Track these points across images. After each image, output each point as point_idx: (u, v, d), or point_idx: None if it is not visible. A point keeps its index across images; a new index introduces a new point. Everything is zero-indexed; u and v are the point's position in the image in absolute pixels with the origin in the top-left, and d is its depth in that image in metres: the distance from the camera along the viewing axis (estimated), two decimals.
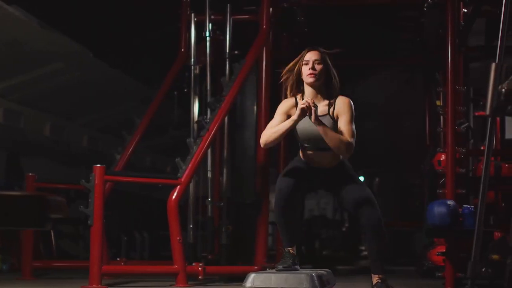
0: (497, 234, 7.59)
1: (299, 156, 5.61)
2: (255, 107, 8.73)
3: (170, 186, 7.25)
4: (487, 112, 4.09)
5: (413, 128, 13.59)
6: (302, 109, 5.21)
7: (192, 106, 8.94)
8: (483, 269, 4.24)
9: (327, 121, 5.34)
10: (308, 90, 5.45)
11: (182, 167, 7.30)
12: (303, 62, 5.42)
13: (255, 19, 8.69)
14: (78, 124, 12.22)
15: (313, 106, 5.20)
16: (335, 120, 5.38)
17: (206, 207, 8.86)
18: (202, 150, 7.50)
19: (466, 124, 7.92)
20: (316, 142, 5.36)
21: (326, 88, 5.45)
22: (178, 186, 7.17)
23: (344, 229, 19.96)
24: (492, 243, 7.06)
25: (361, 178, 21.24)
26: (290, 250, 5.54)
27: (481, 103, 9.48)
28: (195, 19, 8.92)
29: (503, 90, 4.04)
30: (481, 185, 4.21)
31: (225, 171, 8.98)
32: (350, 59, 10.12)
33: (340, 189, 5.48)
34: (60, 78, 10.37)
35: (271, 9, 8.51)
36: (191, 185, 8.47)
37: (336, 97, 5.44)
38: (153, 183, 7.80)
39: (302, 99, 5.40)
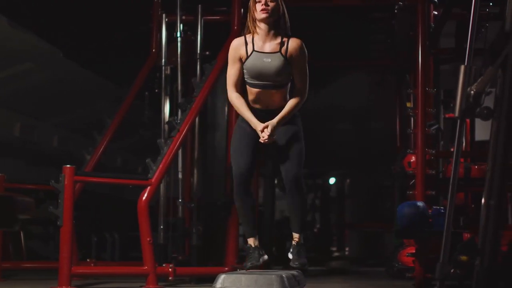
0: (467, 235, 7.64)
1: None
2: (226, 108, 8.74)
3: (141, 186, 7.22)
4: (456, 114, 4.12)
5: (383, 130, 13.63)
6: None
7: (163, 106, 8.94)
8: (452, 270, 4.25)
9: (277, 58, 5.43)
10: (261, 26, 5.49)
11: (152, 167, 7.28)
12: (257, 1, 5.48)
13: (226, 20, 8.69)
14: (49, 124, 12.13)
15: (270, 136, 5.36)
16: (286, 58, 5.44)
17: (177, 208, 8.86)
18: (173, 151, 7.48)
19: (436, 126, 7.96)
20: (265, 79, 5.43)
21: (277, 27, 5.51)
22: (149, 187, 7.15)
23: (315, 230, 20.04)
24: (461, 244, 7.10)
25: (332, 179, 21.27)
26: (253, 243, 5.61)
27: (452, 105, 9.52)
28: (166, 19, 8.92)
29: (472, 92, 4.07)
30: (450, 187, 4.23)
31: (195, 172, 8.98)
32: (321, 61, 10.13)
33: (280, 136, 5.55)
34: (30, 78, 10.30)
35: (242, 9, 8.51)
36: (162, 186, 8.45)
37: (287, 37, 5.51)
38: (123, 183, 7.76)
39: (253, 39, 5.49)
